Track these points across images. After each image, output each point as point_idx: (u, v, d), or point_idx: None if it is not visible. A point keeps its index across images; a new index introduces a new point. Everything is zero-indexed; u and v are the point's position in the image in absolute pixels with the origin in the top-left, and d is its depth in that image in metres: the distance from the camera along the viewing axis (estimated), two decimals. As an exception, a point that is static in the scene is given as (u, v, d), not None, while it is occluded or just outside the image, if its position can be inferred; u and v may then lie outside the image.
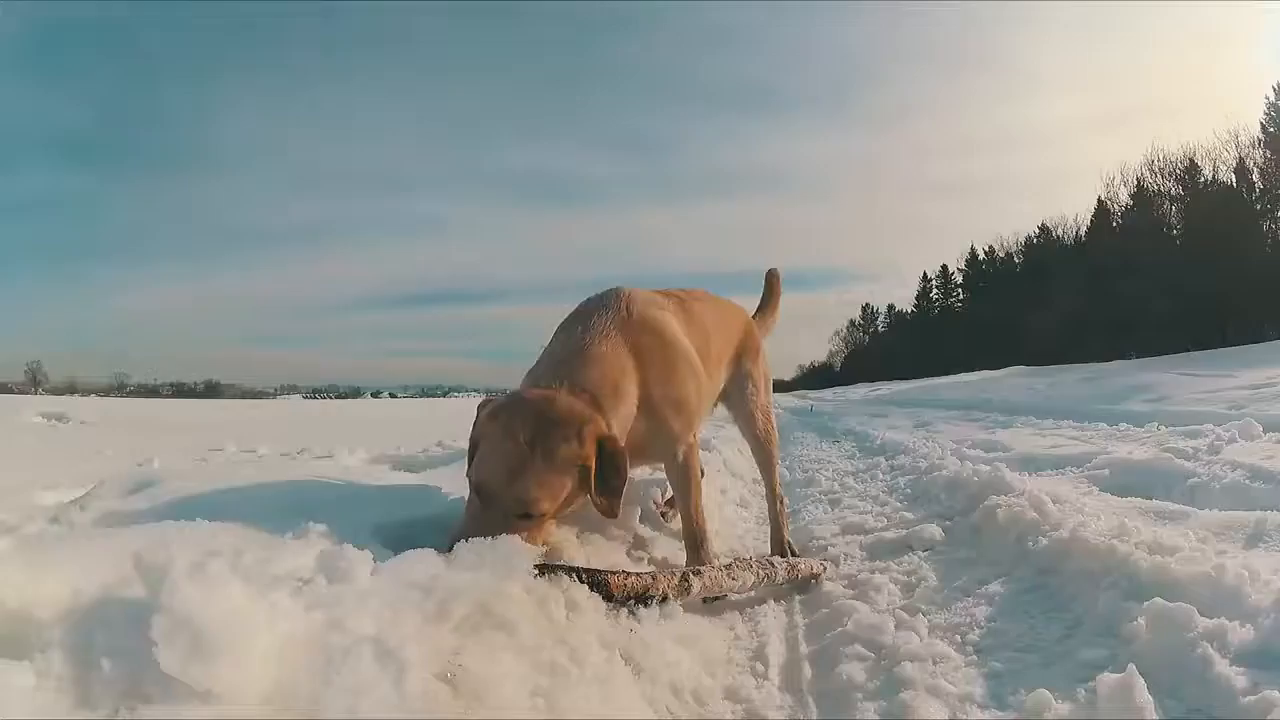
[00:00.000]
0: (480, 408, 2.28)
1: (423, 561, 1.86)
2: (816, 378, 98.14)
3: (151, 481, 2.66)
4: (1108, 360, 23.18)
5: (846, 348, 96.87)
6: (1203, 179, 40.29)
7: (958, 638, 2.04)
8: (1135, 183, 43.40)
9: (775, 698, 1.92)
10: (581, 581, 1.94)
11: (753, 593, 2.56)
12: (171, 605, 1.23)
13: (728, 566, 2.45)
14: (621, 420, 2.33)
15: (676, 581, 2.19)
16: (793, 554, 3.32)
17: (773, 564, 2.60)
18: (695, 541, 2.64)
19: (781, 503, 3.50)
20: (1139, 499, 3.29)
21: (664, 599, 2.13)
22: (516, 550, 1.90)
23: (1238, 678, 1.53)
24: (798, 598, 2.69)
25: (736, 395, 3.24)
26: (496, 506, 2.07)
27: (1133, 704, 1.46)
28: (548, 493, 2.09)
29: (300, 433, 8.69)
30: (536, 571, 1.88)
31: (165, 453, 6.49)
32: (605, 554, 2.48)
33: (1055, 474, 4.41)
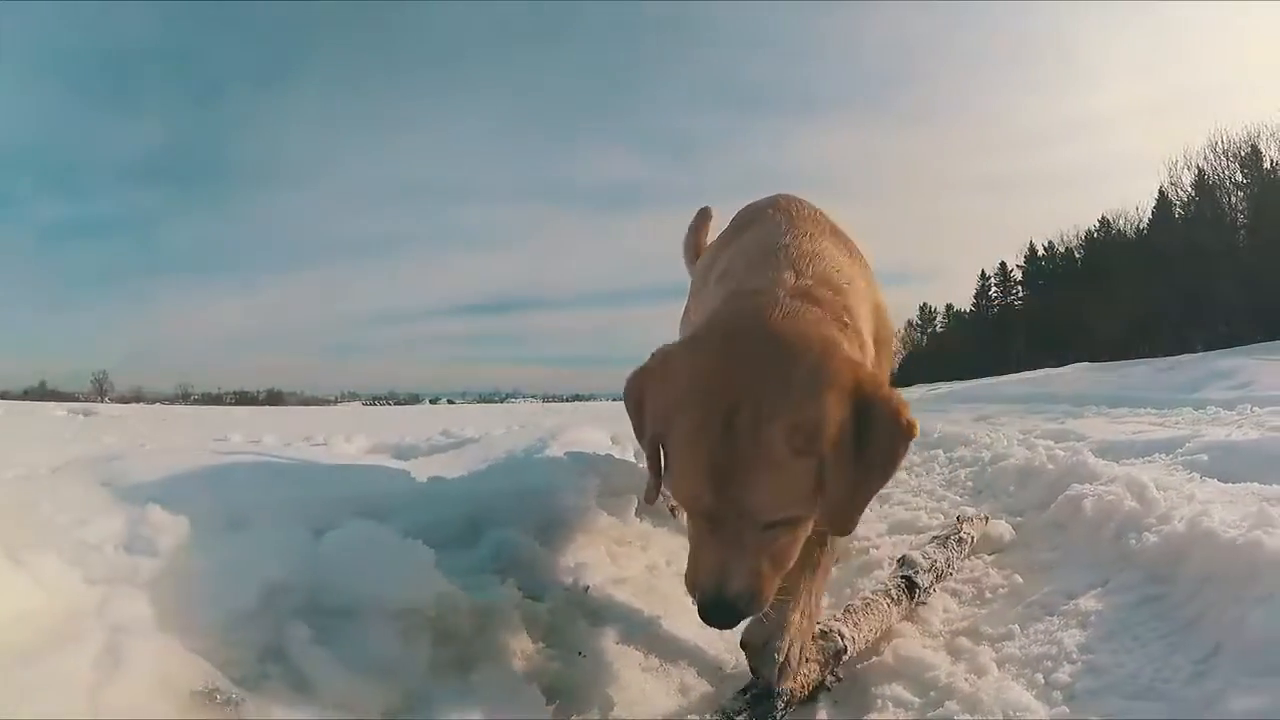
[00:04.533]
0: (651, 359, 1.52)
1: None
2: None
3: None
4: (1175, 355, 21.69)
5: (904, 349, 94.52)
6: (1267, 163, 38.04)
7: (1040, 677, 1.45)
8: (1198, 169, 41.25)
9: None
10: None
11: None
12: None
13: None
14: (871, 352, 1.62)
15: None
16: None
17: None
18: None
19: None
20: (1256, 484, 2.60)
21: None
22: None
23: None
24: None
25: None
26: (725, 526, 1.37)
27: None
28: (792, 494, 1.33)
29: (318, 428, 8.43)
30: None
31: (163, 440, 6.23)
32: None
33: (1143, 461, 3.68)
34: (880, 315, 1.77)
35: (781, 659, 1.46)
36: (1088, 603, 1.74)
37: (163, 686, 1.14)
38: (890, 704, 1.47)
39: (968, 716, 1.31)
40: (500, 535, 2.13)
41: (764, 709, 1.45)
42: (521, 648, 1.66)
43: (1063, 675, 1.43)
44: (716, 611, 1.36)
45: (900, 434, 1.33)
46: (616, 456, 3.34)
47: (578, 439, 3.99)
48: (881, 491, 3.85)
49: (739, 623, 1.40)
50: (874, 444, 1.31)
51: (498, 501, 2.32)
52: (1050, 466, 3.04)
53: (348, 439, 5.37)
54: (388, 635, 1.43)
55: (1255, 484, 2.56)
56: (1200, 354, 20.34)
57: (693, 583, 1.39)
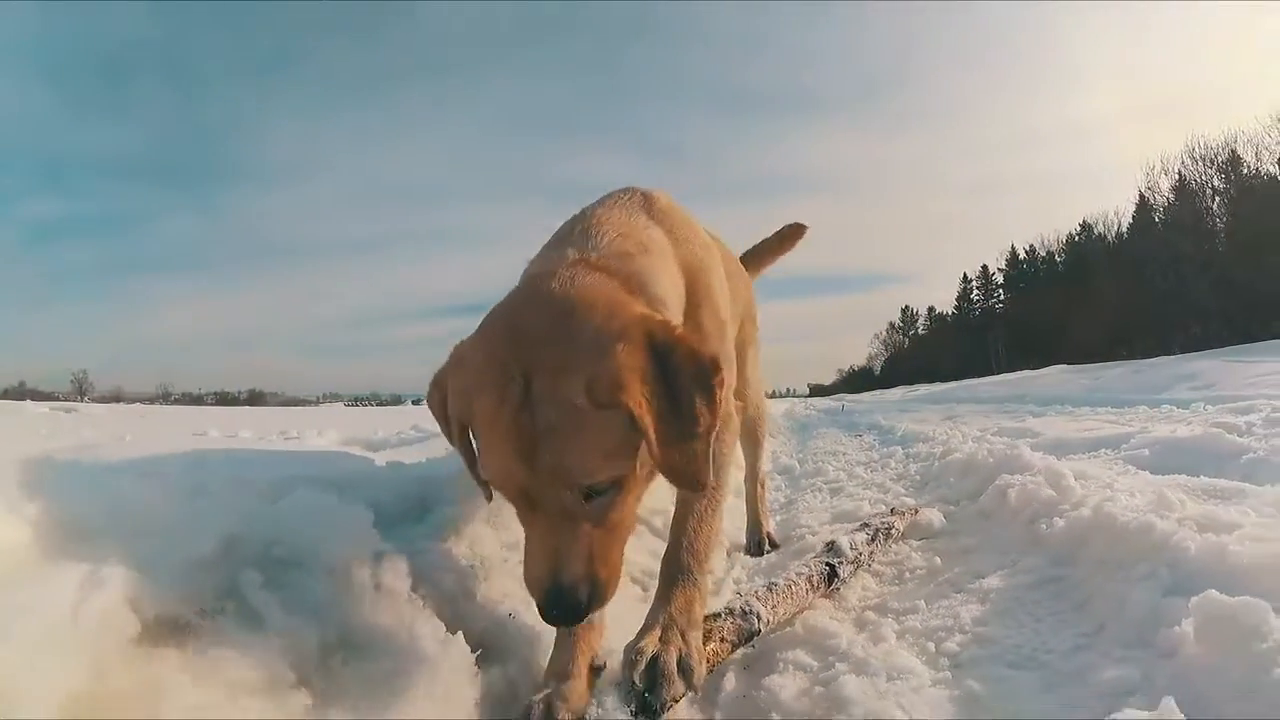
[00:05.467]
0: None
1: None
2: (856, 381, 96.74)
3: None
4: (1153, 357, 22.07)
5: (886, 351, 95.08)
6: (1245, 169, 38.26)
7: (931, 646, 1.54)
8: (1177, 174, 41.54)
9: (681, 710, 1.44)
10: None
11: None
12: None
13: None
14: (673, 310, 1.58)
15: None
16: (772, 545, 2.84)
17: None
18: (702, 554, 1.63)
19: (762, 487, 3.01)
20: (1184, 476, 2.68)
21: None
22: None
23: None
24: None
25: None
26: (547, 502, 1.32)
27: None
28: (604, 448, 1.29)
29: (294, 424, 8.42)
30: None
31: (143, 435, 6.22)
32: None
33: (1087, 456, 3.80)
34: (698, 284, 1.74)
35: (644, 665, 1.36)
36: (992, 582, 1.82)
37: (134, 608, 1.27)
38: (791, 667, 1.54)
39: (854, 676, 1.38)
40: (447, 512, 2.18)
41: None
42: (453, 606, 1.75)
43: (952, 645, 1.51)
44: (558, 604, 1.28)
45: (704, 370, 1.30)
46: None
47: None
48: (835, 485, 4.01)
49: (585, 615, 1.31)
50: (682, 387, 1.28)
51: (449, 483, 2.36)
52: (990, 460, 3.12)
53: (320, 434, 5.39)
54: (328, 584, 1.55)
55: (1183, 476, 2.65)
56: (1176, 356, 20.72)
57: (528, 579, 1.32)
